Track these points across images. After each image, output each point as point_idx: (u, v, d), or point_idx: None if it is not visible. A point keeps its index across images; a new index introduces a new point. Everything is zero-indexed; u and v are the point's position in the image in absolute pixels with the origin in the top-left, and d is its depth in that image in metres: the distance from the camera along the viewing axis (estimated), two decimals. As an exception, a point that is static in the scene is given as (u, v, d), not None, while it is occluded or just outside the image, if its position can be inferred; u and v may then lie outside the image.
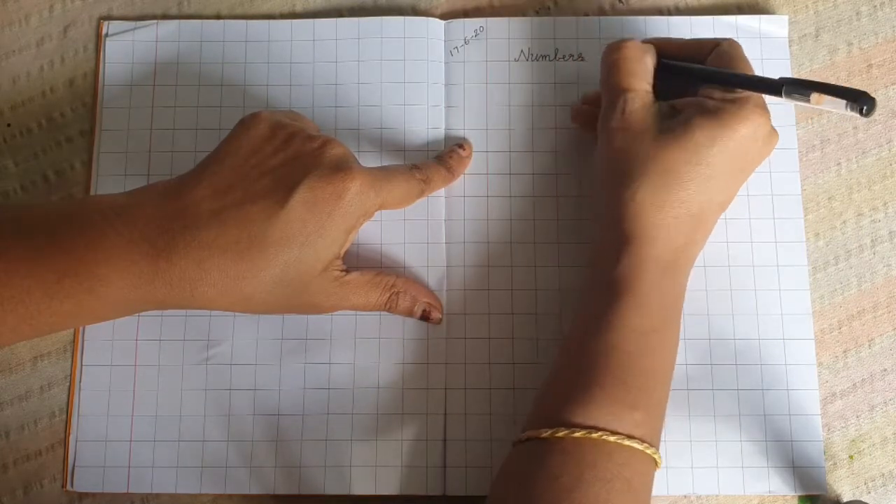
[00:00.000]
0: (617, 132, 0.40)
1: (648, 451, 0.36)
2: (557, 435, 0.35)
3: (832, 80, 0.47)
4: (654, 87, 0.41)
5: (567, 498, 0.34)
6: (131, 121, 0.47)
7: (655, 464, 0.37)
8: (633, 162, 0.38)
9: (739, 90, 0.39)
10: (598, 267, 0.39)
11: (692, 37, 0.47)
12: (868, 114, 0.34)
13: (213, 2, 0.49)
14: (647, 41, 0.43)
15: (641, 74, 0.40)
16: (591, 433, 0.35)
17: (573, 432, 0.35)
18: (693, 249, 0.39)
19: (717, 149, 0.37)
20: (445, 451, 0.43)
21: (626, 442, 0.35)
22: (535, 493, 0.35)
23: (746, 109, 0.38)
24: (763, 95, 0.39)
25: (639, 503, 0.36)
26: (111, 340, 0.44)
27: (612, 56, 0.41)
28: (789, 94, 0.36)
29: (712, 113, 0.38)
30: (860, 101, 0.34)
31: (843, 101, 0.34)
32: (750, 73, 0.40)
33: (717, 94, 0.39)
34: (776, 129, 0.39)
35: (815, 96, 0.35)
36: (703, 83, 0.40)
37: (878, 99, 0.46)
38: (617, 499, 0.34)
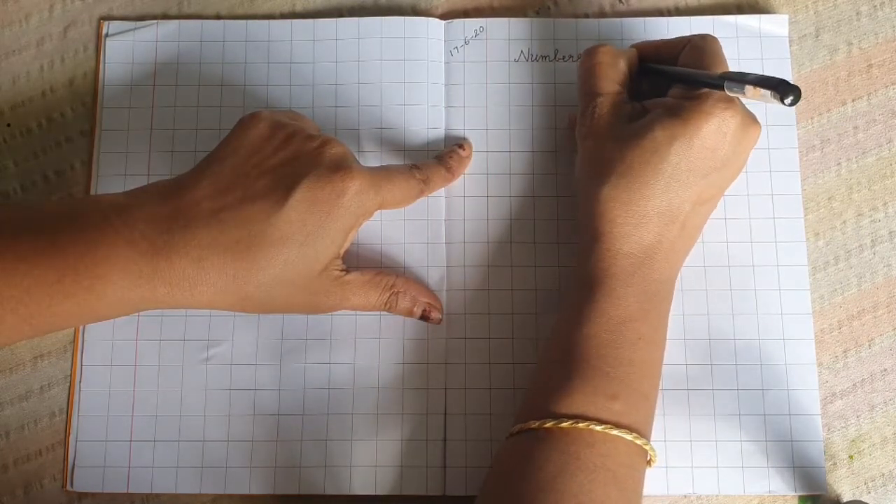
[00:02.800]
0: (588, 136, 0.41)
1: (638, 442, 0.36)
2: (546, 426, 0.36)
3: (832, 80, 0.47)
4: (633, 89, 0.42)
5: (549, 488, 0.34)
6: (131, 121, 0.47)
7: (647, 456, 0.37)
8: (602, 162, 0.39)
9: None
10: (576, 264, 0.40)
11: (692, 37, 0.47)
12: (792, 103, 0.34)
13: (213, 2, 0.49)
14: (633, 46, 0.44)
15: (613, 78, 0.41)
16: (577, 423, 0.35)
17: (560, 422, 0.36)
18: (668, 247, 0.39)
19: (678, 146, 0.37)
20: (445, 451, 0.43)
21: (613, 431, 0.35)
22: (520, 483, 0.35)
23: (707, 105, 0.37)
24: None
25: (624, 495, 0.36)
26: (111, 340, 0.44)
27: (586, 62, 0.42)
28: (730, 89, 0.36)
29: (673, 110, 0.38)
30: (780, 89, 0.34)
31: (769, 92, 0.34)
32: (719, 67, 0.39)
33: (681, 92, 0.40)
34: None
35: (749, 89, 0.35)
36: (672, 83, 0.41)
37: (878, 99, 0.46)
38: (599, 490, 0.35)
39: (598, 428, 0.35)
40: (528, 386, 0.40)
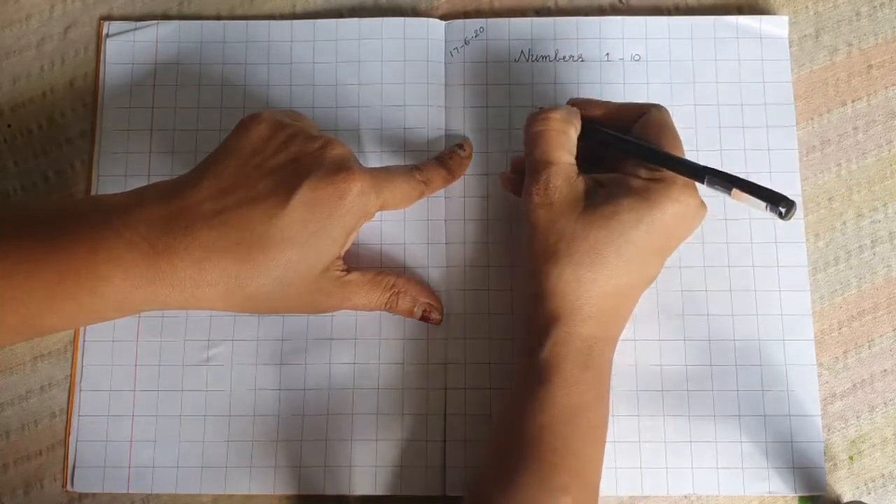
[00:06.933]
0: (540, 207, 0.38)
1: None
2: None
3: (832, 81, 0.47)
4: (578, 154, 0.40)
5: None
6: (132, 121, 0.47)
7: None
8: (559, 239, 0.37)
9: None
10: (529, 344, 0.39)
11: (691, 38, 0.47)
12: (786, 217, 0.33)
13: (213, 2, 0.49)
14: (574, 101, 0.42)
15: (565, 146, 0.39)
16: None
17: None
18: (620, 324, 0.39)
19: (644, 228, 0.37)
20: (445, 451, 0.43)
21: None
22: None
23: (675, 190, 0.37)
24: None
25: None
26: (111, 340, 0.44)
27: (535, 128, 0.40)
28: (712, 184, 0.35)
29: (639, 193, 0.37)
30: (780, 204, 0.33)
31: (763, 203, 0.34)
32: (675, 143, 0.39)
33: (644, 172, 0.38)
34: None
35: (735, 192, 0.34)
36: (627, 156, 0.39)
37: (878, 100, 0.47)
38: None
39: None
40: (475, 471, 0.39)
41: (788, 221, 0.44)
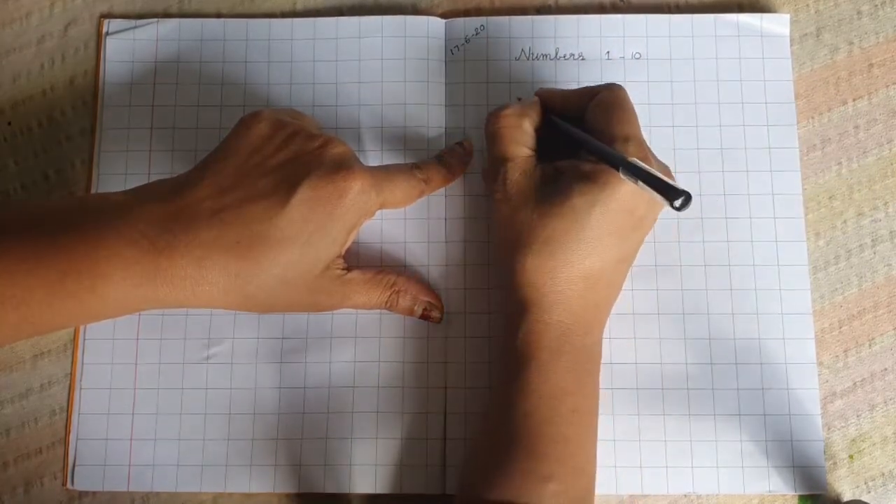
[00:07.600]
0: (501, 202, 0.39)
1: None
2: None
3: (833, 80, 0.47)
4: (540, 145, 0.41)
5: None
6: (132, 119, 0.47)
7: None
8: (519, 231, 0.38)
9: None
10: (506, 334, 0.39)
11: (692, 36, 0.47)
12: (681, 209, 0.33)
13: (213, 0, 0.49)
14: (539, 92, 0.43)
15: (520, 141, 0.40)
16: None
17: None
18: (594, 308, 0.39)
19: (598, 211, 0.37)
20: (445, 449, 0.43)
21: None
22: None
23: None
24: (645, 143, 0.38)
25: None
26: (112, 339, 0.44)
27: (491, 127, 0.41)
28: (626, 174, 0.35)
29: (588, 176, 0.37)
30: (671, 196, 0.33)
31: (660, 196, 0.33)
32: (628, 121, 0.38)
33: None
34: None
35: (640, 182, 0.34)
36: (574, 144, 0.40)
37: (879, 98, 0.46)
38: None
39: None
40: (462, 463, 0.40)
41: (787, 220, 0.45)
